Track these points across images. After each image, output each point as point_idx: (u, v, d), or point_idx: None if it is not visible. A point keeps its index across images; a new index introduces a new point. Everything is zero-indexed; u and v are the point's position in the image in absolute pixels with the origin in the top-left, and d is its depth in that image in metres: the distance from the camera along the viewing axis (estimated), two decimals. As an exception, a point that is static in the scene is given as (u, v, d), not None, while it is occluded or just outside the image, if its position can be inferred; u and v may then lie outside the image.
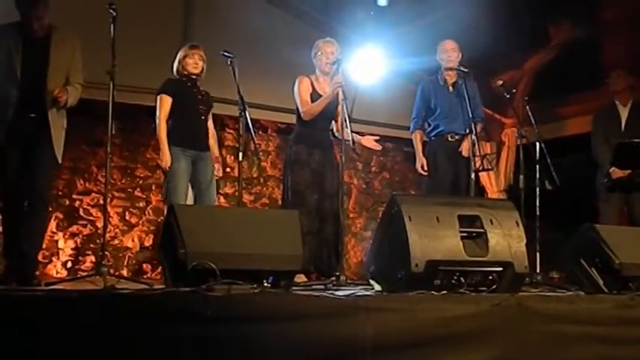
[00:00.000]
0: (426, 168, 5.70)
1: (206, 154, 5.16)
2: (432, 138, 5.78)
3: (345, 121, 4.72)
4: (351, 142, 4.76)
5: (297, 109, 5.32)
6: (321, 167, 5.26)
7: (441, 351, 3.01)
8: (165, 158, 4.94)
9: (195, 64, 5.09)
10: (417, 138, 5.85)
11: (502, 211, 3.73)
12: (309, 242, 4.96)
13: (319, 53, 5.30)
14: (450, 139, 5.67)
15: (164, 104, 5.03)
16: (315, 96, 5.23)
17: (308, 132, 5.28)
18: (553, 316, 3.27)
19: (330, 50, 5.26)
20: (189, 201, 5.23)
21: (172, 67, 5.18)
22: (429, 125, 5.79)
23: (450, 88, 5.74)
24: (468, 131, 5.48)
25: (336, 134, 5.29)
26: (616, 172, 5.76)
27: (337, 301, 2.98)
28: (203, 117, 5.16)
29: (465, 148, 5.59)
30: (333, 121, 5.37)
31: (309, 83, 5.28)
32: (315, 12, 7.25)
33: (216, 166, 5.24)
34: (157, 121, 5.02)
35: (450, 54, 5.68)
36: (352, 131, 4.78)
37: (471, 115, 5.36)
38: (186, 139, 5.04)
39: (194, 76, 5.13)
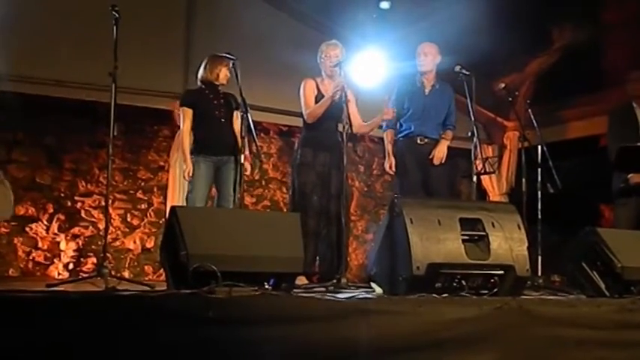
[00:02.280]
0: (394, 168, 5.67)
1: (231, 158, 5.17)
2: (401, 139, 5.73)
3: (348, 123, 4.73)
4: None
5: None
6: (327, 169, 5.26)
7: (442, 354, 3.00)
8: (187, 168, 5.08)
9: (228, 75, 5.17)
10: (387, 137, 5.80)
11: (504, 214, 3.73)
12: (314, 245, 4.98)
13: (323, 56, 5.31)
14: (419, 141, 5.63)
15: (186, 117, 5.16)
16: (319, 98, 5.25)
17: (313, 135, 5.29)
18: (554, 319, 3.26)
19: (334, 53, 5.27)
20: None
21: (197, 75, 5.25)
22: (401, 126, 5.75)
23: (426, 91, 5.72)
24: (470, 134, 5.45)
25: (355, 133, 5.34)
26: (634, 178, 5.63)
27: (338, 303, 2.98)
28: (223, 120, 5.19)
29: (436, 157, 5.57)
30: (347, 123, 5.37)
31: (315, 85, 5.30)
32: (317, 14, 7.25)
33: (245, 163, 5.20)
34: (180, 133, 5.18)
35: (421, 58, 5.67)
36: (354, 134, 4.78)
37: (473, 118, 5.35)
38: (206, 146, 5.14)
39: (219, 84, 5.21)
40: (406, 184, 5.61)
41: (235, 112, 5.26)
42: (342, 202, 5.08)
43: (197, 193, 5.09)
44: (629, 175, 5.57)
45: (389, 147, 5.77)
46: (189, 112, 5.17)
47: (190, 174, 5.07)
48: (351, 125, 4.91)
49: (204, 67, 5.23)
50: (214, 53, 5.29)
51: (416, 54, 5.71)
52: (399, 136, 5.75)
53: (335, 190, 5.23)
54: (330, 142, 5.31)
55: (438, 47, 5.70)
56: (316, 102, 5.24)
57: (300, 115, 5.40)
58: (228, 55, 4.85)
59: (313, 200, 5.17)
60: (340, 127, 5.37)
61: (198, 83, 5.27)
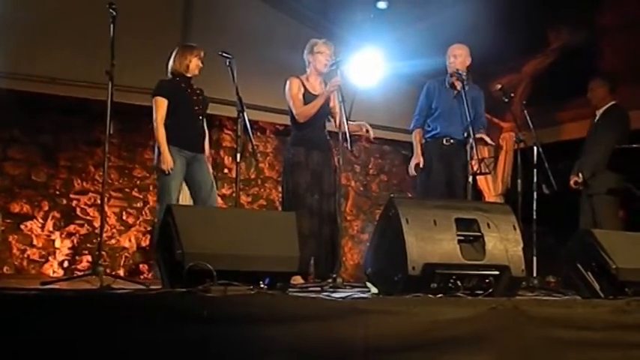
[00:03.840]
0: (421, 166, 5.65)
1: (202, 156, 5.14)
2: (428, 139, 5.75)
3: (344, 123, 4.72)
4: (348, 145, 4.75)
5: (291, 111, 5.31)
6: (320, 168, 5.26)
7: (437, 354, 3.00)
8: (167, 160, 4.91)
9: (200, 65, 5.11)
10: (416, 136, 5.80)
11: (499, 214, 3.73)
12: (308, 244, 4.96)
13: (318, 51, 5.29)
14: (445, 142, 5.64)
15: (160, 107, 4.99)
16: (307, 96, 5.24)
17: (305, 134, 5.27)
18: (549, 320, 3.27)
19: (330, 52, 5.28)
20: (185, 201, 5.23)
21: (168, 67, 5.14)
22: (428, 126, 5.76)
23: (455, 92, 5.71)
24: (465, 135, 5.47)
25: (337, 131, 5.27)
26: (571, 179, 5.89)
27: (334, 303, 2.98)
28: (200, 117, 5.15)
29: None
30: (331, 120, 5.37)
31: (300, 83, 5.28)
32: (315, 14, 7.25)
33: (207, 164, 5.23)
34: (155, 124, 4.99)
35: (451, 60, 5.65)
36: (351, 134, 4.77)
37: (471, 119, 5.35)
38: (182, 139, 5.02)
39: (191, 76, 5.13)
40: (430, 183, 5.61)
41: (205, 112, 5.23)
42: (336, 200, 5.09)
43: (173, 188, 4.95)
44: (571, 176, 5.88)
45: (418, 147, 5.75)
46: (164, 102, 4.99)
47: (171, 166, 4.91)
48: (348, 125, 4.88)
49: (174, 58, 5.12)
50: (184, 43, 5.27)
51: (447, 56, 5.68)
52: (427, 136, 5.76)
53: (328, 189, 5.24)
54: (321, 141, 5.32)
55: (468, 49, 5.66)
56: (304, 99, 5.23)
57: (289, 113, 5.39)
58: (225, 54, 4.83)
59: (307, 200, 5.16)
60: (327, 125, 5.37)
61: (169, 75, 5.14)
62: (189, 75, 5.12)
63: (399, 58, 6.43)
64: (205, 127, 5.26)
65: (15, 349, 2.42)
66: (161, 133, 4.95)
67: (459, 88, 5.60)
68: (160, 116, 4.98)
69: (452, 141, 5.64)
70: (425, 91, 5.83)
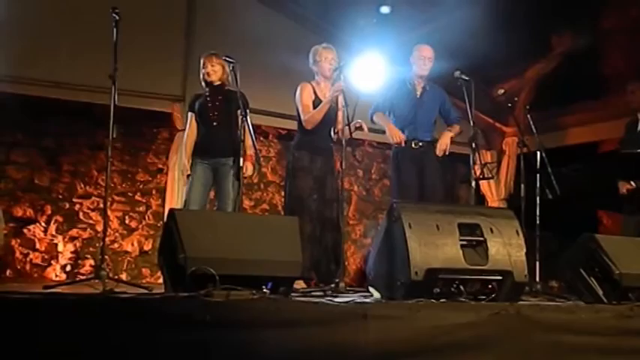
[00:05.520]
0: (403, 138, 5.52)
1: (226, 160, 5.07)
2: (396, 144, 5.61)
3: (347, 127, 4.72)
4: (351, 131, 4.72)
5: (299, 115, 5.32)
6: (323, 174, 5.25)
7: (440, 359, 3.00)
8: (183, 165, 5.19)
9: (211, 70, 5.14)
10: (379, 116, 5.67)
11: (502, 219, 3.73)
12: (310, 249, 4.95)
13: (320, 59, 5.29)
14: (413, 146, 5.59)
15: (190, 121, 5.24)
16: (317, 103, 5.23)
17: (310, 139, 5.27)
18: (552, 325, 3.26)
19: (332, 56, 5.27)
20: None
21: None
22: None
23: (417, 94, 5.69)
24: (468, 139, 5.45)
25: (341, 137, 5.24)
26: (621, 187, 5.69)
27: (336, 307, 2.98)
28: (215, 123, 5.12)
29: (439, 149, 5.51)
30: (333, 128, 5.36)
31: (312, 90, 5.28)
32: (318, 18, 7.25)
33: (246, 164, 4.96)
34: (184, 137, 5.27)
35: (422, 62, 5.63)
36: (353, 138, 4.75)
37: (472, 123, 5.32)
38: (201, 149, 5.15)
39: (215, 83, 5.17)
40: (403, 185, 5.57)
41: (234, 113, 5.17)
42: (339, 206, 5.08)
43: (193, 195, 5.04)
44: (619, 184, 5.63)
45: (388, 121, 5.60)
46: (192, 117, 5.22)
47: (188, 171, 5.09)
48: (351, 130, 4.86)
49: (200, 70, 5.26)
50: (207, 52, 5.29)
51: (414, 57, 5.67)
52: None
53: (330, 194, 5.23)
54: (325, 147, 5.31)
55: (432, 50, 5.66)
56: (314, 107, 5.22)
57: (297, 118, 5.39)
58: (228, 58, 4.83)
59: (310, 204, 5.15)
60: (333, 133, 5.35)
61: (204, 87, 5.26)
62: (213, 82, 5.19)
63: (402, 63, 6.42)
64: (237, 130, 4.92)
65: (17, 353, 2.42)
66: (185, 144, 5.20)
67: (424, 88, 5.62)
68: (186, 129, 5.27)
69: (420, 144, 5.60)
70: (387, 86, 5.78)
